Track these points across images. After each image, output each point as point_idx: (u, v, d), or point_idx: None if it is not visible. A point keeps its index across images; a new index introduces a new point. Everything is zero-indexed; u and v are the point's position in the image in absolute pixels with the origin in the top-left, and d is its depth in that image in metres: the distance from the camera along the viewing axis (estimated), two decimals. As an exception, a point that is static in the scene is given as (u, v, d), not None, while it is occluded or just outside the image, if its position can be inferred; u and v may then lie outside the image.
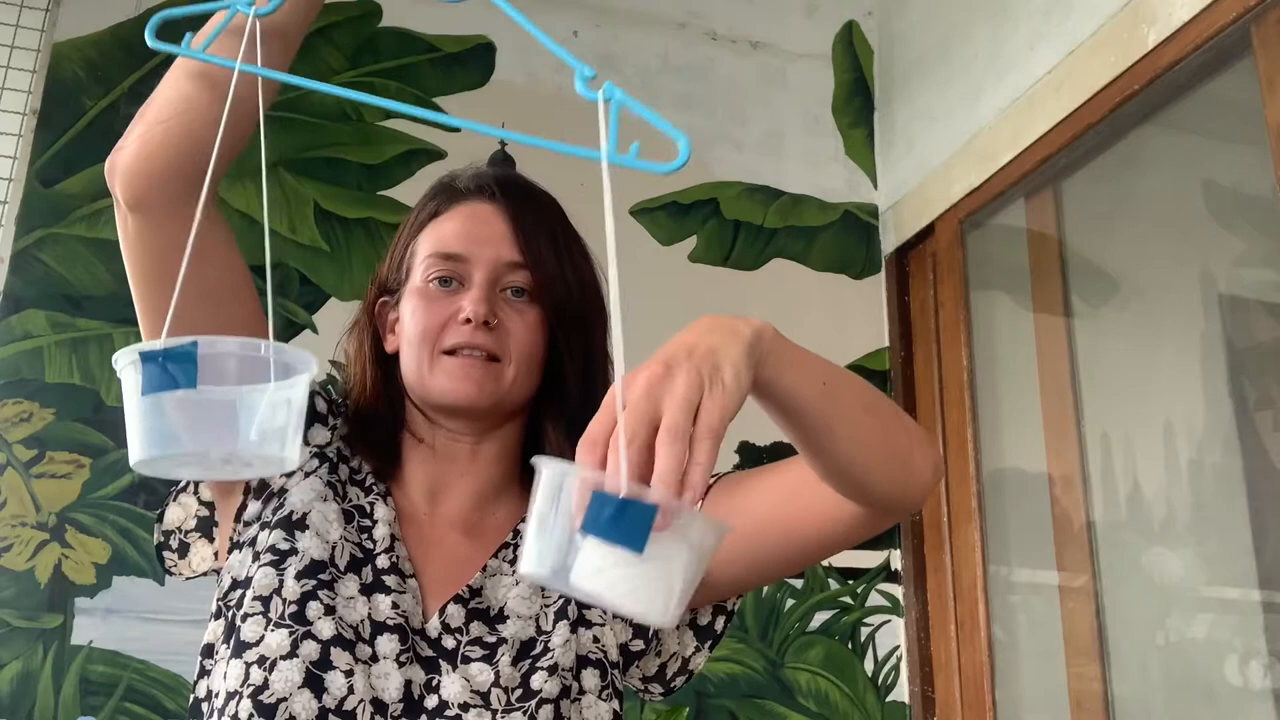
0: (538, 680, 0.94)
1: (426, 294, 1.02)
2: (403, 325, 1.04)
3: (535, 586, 0.98)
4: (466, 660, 0.94)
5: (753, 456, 2.13)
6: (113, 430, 1.86)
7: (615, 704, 0.98)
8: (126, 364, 0.66)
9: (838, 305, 2.36)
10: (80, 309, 1.92)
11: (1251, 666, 1.62)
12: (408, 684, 0.92)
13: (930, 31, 2.37)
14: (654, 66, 2.41)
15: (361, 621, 0.93)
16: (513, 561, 1.01)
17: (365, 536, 0.99)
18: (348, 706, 0.89)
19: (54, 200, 1.96)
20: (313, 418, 1.04)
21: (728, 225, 2.35)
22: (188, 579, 1.06)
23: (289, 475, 1.01)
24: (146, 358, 0.64)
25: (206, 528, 1.04)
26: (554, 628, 0.97)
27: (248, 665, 0.89)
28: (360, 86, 2.16)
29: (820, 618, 2.14)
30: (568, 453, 1.02)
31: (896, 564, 2.21)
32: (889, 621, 2.18)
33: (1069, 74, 1.89)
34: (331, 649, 0.90)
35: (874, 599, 2.18)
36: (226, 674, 0.91)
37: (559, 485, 0.61)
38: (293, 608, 0.91)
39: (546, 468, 0.62)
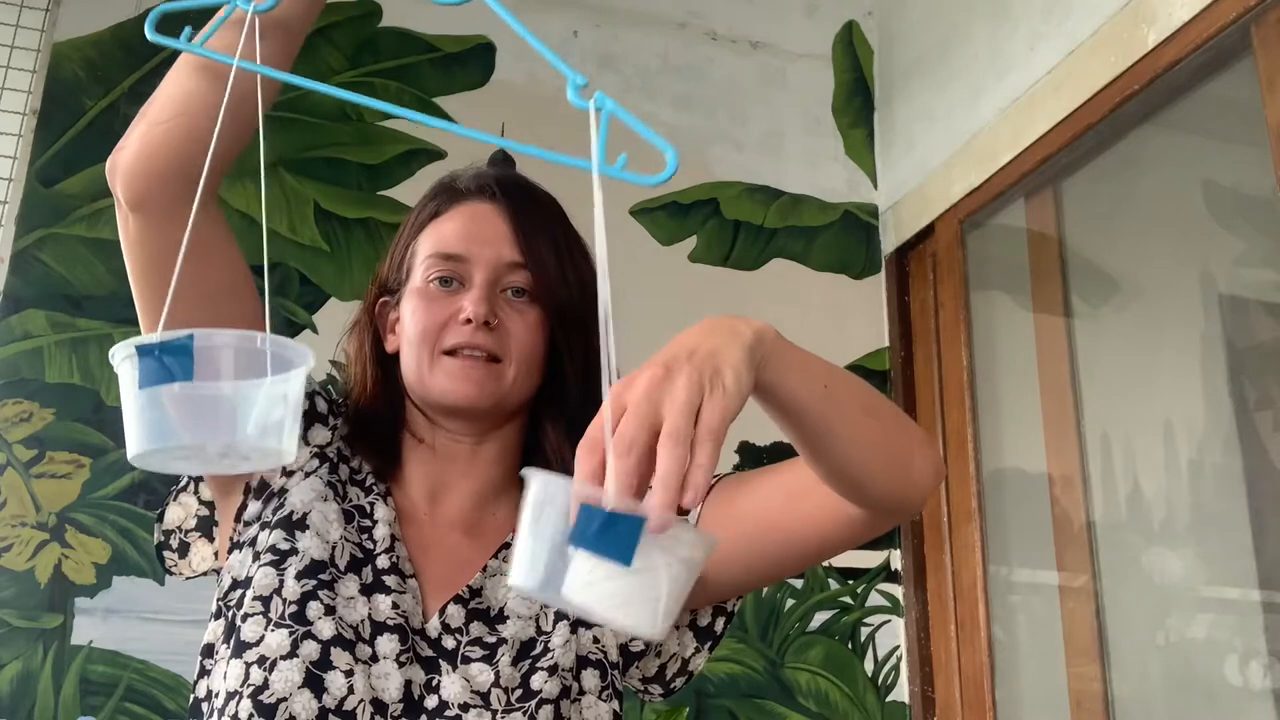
0: (538, 680, 0.94)
1: (427, 294, 1.02)
2: (403, 325, 1.04)
3: (535, 587, 0.98)
4: (466, 660, 0.94)
5: (753, 456, 2.13)
6: (113, 430, 1.86)
7: (615, 704, 0.98)
8: (123, 358, 0.66)
9: (838, 305, 2.36)
10: (80, 309, 1.92)
11: (1251, 666, 1.62)
12: (408, 684, 0.92)
13: (930, 31, 2.37)
14: (654, 66, 2.40)
15: (361, 621, 0.93)
16: (513, 562, 1.01)
17: (365, 536, 0.99)
18: (348, 706, 0.89)
19: (54, 200, 1.96)
20: (313, 418, 1.04)
21: (728, 225, 2.35)
22: (188, 579, 1.06)
23: (289, 475, 1.01)
24: (143, 351, 0.64)
25: (207, 527, 1.04)
26: (554, 628, 0.97)
27: (248, 665, 0.89)
28: (360, 86, 2.16)
29: (820, 618, 2.14)
30: (568, 453, 1.03)
31: (896, 564, 2.21)
32: (889, 621, 2.18)
33: (1069, 74, 1.89)
34: (331, 649, 0.90)
35: (874, 599, 2.18)
36: (226, 674, 0.91)
37: (546, 497, 0.61)
38: (293, 608, 0.91)
39: (534, 480, 0.62)
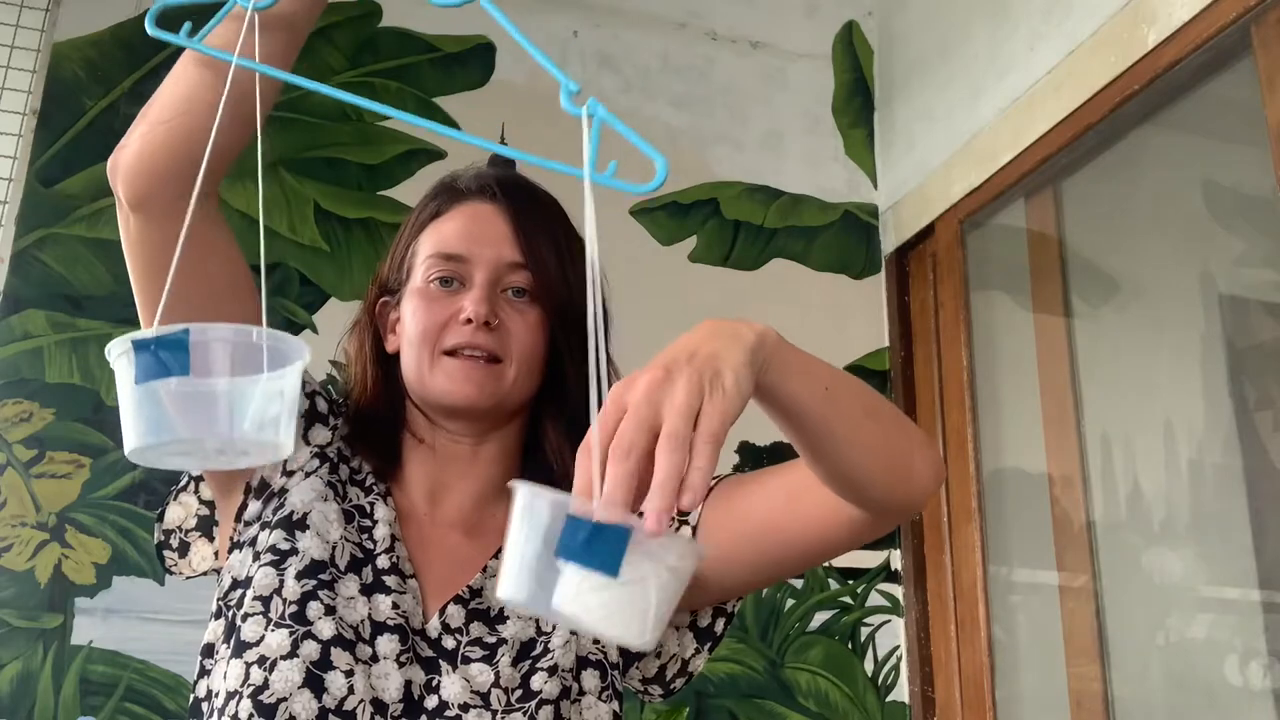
0: (538, 681, 0.94)
1: (427, 294, 1.02)
2: (403, 325, 1.04)
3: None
4: (466, 661, 0.94)
5: (753, 457, 2.13)
6: (113, 430, 1.86)
7: (615, 705, 0.98)
8: (119, 353, 0.66)
9: (838, 305, 2.36)
10: (80, 309, 1.92)
11: (1251, 666, 1.62)
12: (408, 684, 0.92)
13: (930, 31, 2.37)
14: (654, 66, 2.40)
15: (362, 621, 0.93)
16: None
17: (365, 536, 0.99)
18: (348, 706, 0.89)
19: (54, 200, 1.96)
20: (313, 418, 1.04)
21: (728, 225, 2.34)
22: (188, 578, 1.06)
23: (289, 475, 1.01)
24: (139, 346, 0.64)
25: (207, 527, 1.05)
26: (554, 629, 0.97)
27: (248, 665, 0.89)
28: (360, 86, 2.16)
29: (820, 618, 2.14)
30: (568, 453, 1.03)
31: (896, 564, 2.21)
32: (889, 621, 2.18)
33: (1069, 74, 1.89)
34: (332, 649, 0.90)
35: (874, 599, 2.18)
36: (226, 674, 0.91)
37: (532, 509, 0.61)
38: (293, 608, 0.91)
39: (520, 492, 0.62)
